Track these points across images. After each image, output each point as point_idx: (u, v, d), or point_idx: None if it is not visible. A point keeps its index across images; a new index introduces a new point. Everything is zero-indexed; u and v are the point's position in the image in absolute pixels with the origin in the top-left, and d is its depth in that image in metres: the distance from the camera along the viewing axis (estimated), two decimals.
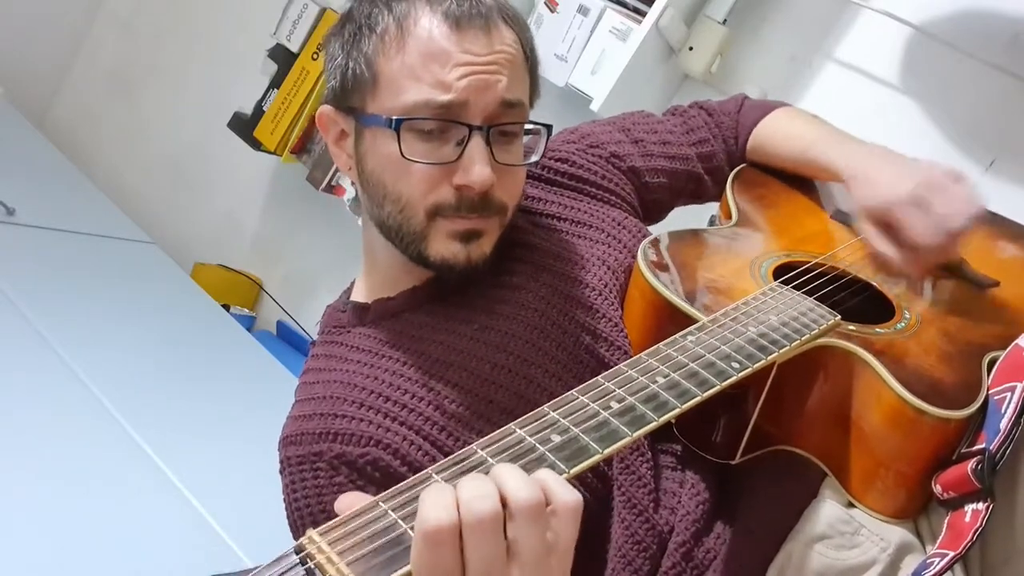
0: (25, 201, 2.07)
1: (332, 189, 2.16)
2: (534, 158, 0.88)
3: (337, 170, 2.05)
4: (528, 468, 0.54)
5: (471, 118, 0.81)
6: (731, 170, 1.11)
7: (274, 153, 2.24)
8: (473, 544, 0.49)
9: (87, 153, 2.71)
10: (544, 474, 0.53)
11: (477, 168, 0.80)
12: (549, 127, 0.87)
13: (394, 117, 0.80)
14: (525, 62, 0.86)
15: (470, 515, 0.49)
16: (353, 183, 0.90)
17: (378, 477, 0.79)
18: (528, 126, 0.87)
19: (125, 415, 1.61)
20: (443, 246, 0.84)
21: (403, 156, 0.81)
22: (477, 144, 0.81)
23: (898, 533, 0.77)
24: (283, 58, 2.18)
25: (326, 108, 0.88)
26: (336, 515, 0.51)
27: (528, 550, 0.50)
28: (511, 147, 0.85)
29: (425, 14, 0.81)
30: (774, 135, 1.10)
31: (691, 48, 1.73)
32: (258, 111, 2.22)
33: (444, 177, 0.82)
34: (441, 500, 0.49)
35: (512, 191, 0.86)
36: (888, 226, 0.93)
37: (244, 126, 2.25)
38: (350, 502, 0.53)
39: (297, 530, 0.84)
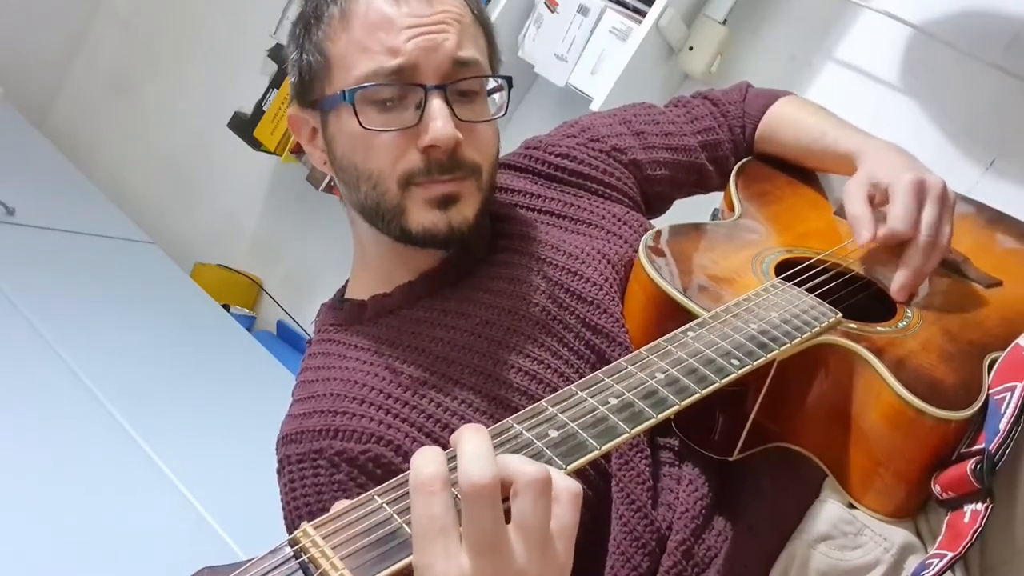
0: (25, 201, 2.07)
1: (332, 189, 2.16)
2: (500, 114, 0.88)
3: None
4: None
5: (425, 79, 0.80)
6: (737, 160, 1.10)
7: (274, 153, 2.24)
8: (470, 515, 0.48)
9: (87, 153, 2.71)
10: (544, 465, 0.53)
11: (438, 124, 0.79)
12: (509, 79, 0.87)
13: (347, 89, 0.81)
14: (475, 22, 0.86)
15: (466, 479, 0.48)
16: (331, 179, 0.90)
17: (379, 474, 0.78)
18: (492, 85, 0.86)
19: (125, 414, 1.61)
20: (422, 215, 0.83)
21: (363, 127, 0.81)
22: (435, 103, 0.80)
23: (901, 534, 0.77)
24: (283, 58, 2.18)
25: (292, 108, 0.89)
26: None
27: (535, 526, 0.49)
28: (473, 105, 0.84)
29: None
30: (783, 125, 1.09)
31: (691, 48, 1.73)
32: (258, 111, 2.23)
33: (409, 143, 0.81)
34: (431, 453, 0.49)
35: (483, 149, 0.85)
36: (874, 198, 0.91)
37: (244, 126, 2.26)
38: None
39: (294, 529, 0.84)
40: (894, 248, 0.93)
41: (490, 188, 0.88)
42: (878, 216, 0.91)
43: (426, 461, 0.49)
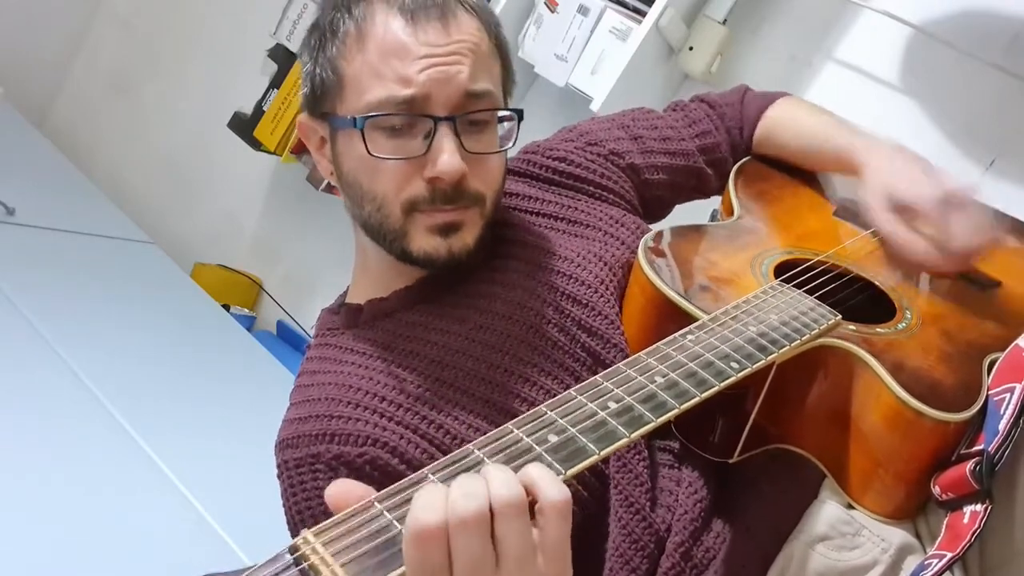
0: (25, 201, 2.07)
1: (332, 189, 2.16)
2: (509, 145, 0.88)
3: None
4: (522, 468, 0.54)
5: (435, 110, 0.81)
6: (735, 162, 1.10)
7: (274, 153, 2.24)
8: (458, 544, 0.49)
9: (87, 153, 2.71)
10: (532, 470, 0.53)
11: (444, 158, 0.80)
12: (520, 112, 0.87)
13: (358, 116, 0.81)
14: (493, 49, 0.86)
15: (454, 514, 0.49)
16: (336, 187, 0.90)
17: (377, 476, 0.78)
18: (502, 113, 0.86)
19: (125, 415, 1.61)
20: (424, 241, 0.84)
21: (370, 154, 0.81)
22: (444, 135, 0.80)
23: (899, 534, 0.77)
24: (283, 58, 2.18)
25: (303, 117, 0.89)
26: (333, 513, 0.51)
27: (511, 548, 0.50)
28: (482, 136, 0.84)
29: (381, 11, 0.82)
30: (781, 126, 1.09)
31: (691, 48, 1.73)
32: (258, 111, 2.23)
33: (415, 172, 0.82)
34: (431, 500, 0.50)
35: (488, 180, 0.85)
36: (908, 220, 0.92)
37: (244, 126, 2.25)
38: (343, 489, 0.52)
39: (297, 533, 0.84)
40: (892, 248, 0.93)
41: (493, 213, 0.88)
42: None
43: (421, 506, 0.49)
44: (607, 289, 0.90)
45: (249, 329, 2.31)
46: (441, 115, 0.81)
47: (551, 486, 0.52)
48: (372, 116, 0.81)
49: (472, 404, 0.81)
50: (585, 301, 0.88)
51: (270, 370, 2.03)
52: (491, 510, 0.50)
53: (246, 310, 2.41)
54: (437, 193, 0.82)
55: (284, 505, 0.83)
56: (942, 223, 0.90)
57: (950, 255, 0.91)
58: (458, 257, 0.85)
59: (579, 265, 0.91)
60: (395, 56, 0.80)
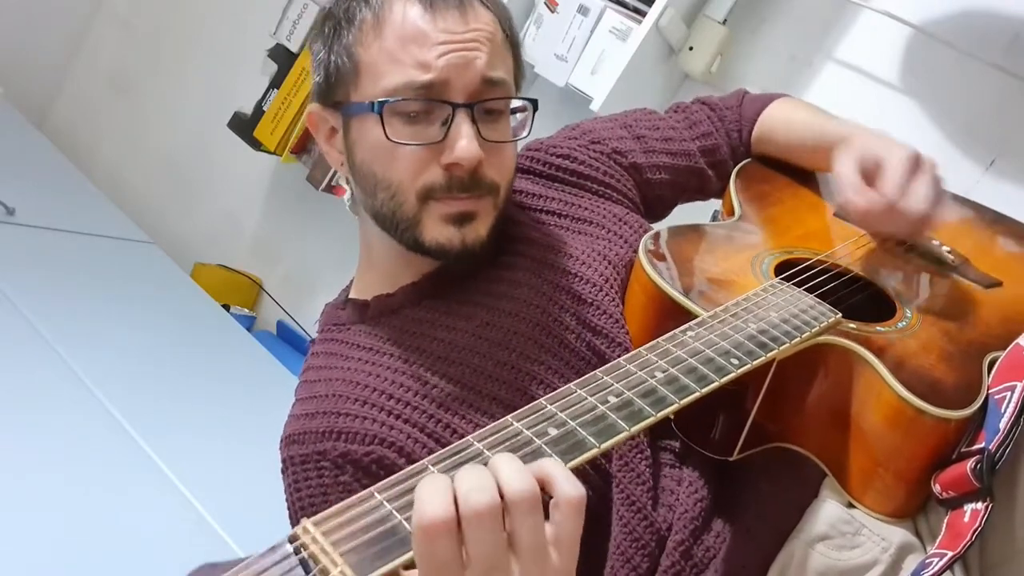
0: (25, 201, 2.07)
1: (332, 189, 2.16)
2: (523, 134, 0.88)
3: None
4: (524, 461, 0.54)
5: (453, 96, 0.81)
6: (735, 164, 1.10)
7: (274, 153, 2.24)
8: (474, 538, 0.49)
9: (87, 153, 2.71)
10: (548, 465, 0.53)
11: (463, 143, 0.80)
12: (535, 102, 0.87)
13: (376, 101, 0.81)
14: (506, 41, 0.86)
15: (468, 508, 0.49)
16: (347, 179, 0.90)
17: (382, 475, 0.77)
18: (515, 104, 0.87)
19: (125, 415, 1.61)
20: (437, 230, 0.84)
21: (388, 139, 0.81)
22: (461, 122, 0.81)
23: (899, 533, 0.77)
24: (283, 58, 2.18)
25: (314, 106, 0.89)
26: None
27: (525, 541, 0.50)
28: (497, 124, 0.85)
29: (399, 0, 0.82)
30: (777, 125, 1.10)
31: (691, 48, 1.73)
32: (258, 111, 2.23)
33: (432, 158, 0.82)
34: (438, 492, 0.49)
35: (502, 169, 0.86)
36: (867, 174, 0.91)
37: (244, 126, 2.25)
38: None
39: None
40: (893, 248, 0.93)
41: (506, 205, 0.89)
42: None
43: (428, 498, 0.49)
44: (611, 288, 0.90)
45: (249, 329, 2.31)
46: (459, 101, 0.81)
47: (567, 482, 0.52)
48: (390, 101, 0.81)
49: (480, 402, 0.81)
50: (590, 300, 0.88)
51: (270, 370, 2.03)
52: (503, 502, 0.50)
53: (246, 310, 2.41)
54: (454, 180, 0.82)
55: (287, 501, 0.83)
56: (902, 182, 0.88)
57: (898, 214, 0.88)
58: (471, 248, 0.84)
59: (585, 263, 0.91)
60: (413, 42, 0.80)
